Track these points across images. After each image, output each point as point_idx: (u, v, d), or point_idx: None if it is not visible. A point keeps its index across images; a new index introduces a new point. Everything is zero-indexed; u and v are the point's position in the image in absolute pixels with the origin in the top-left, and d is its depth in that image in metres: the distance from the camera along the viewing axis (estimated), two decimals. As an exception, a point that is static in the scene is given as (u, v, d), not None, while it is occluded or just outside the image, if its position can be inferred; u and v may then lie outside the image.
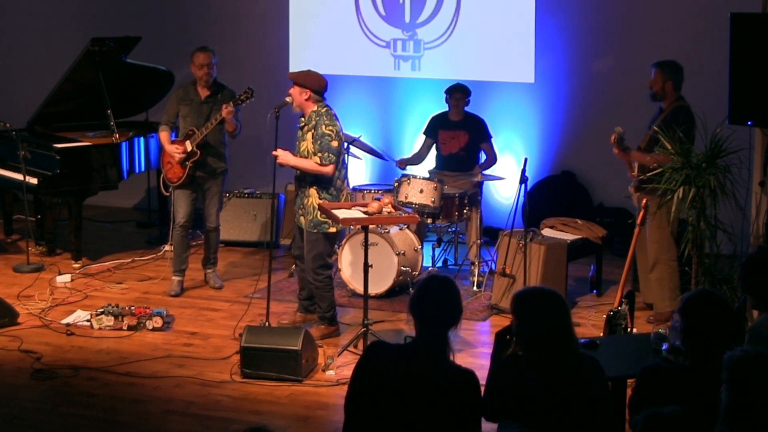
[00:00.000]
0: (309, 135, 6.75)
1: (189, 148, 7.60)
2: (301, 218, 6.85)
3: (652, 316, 7.19)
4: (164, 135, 7.80)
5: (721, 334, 3.94)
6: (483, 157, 8.77)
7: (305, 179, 6.82)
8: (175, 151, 7.62)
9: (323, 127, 6.69)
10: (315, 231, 6.77)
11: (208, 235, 7.93)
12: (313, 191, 6.77)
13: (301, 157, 6.79)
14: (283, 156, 6.76)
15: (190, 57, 7.70)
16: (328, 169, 6.69)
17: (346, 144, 7.46)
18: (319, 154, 6.68)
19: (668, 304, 7.02)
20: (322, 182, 6.76)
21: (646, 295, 7.41)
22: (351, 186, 8.54)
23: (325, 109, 6.77)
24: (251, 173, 7.71)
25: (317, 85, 6.78)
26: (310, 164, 6.71)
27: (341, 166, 6.86)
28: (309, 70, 6.91)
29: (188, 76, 7.93)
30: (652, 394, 3.92)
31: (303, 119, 6.86)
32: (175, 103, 7.77)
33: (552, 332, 3.91)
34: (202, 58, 7.60)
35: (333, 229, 6.78)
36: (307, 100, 6.76)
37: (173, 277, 7.91)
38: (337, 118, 6.80)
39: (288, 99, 6.82)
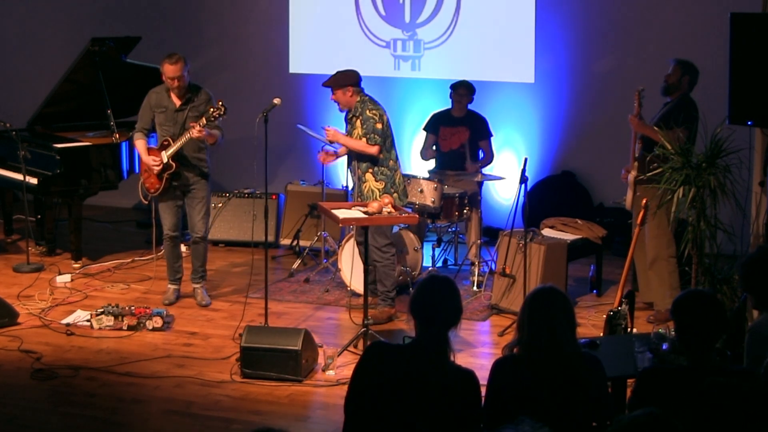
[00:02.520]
0: (358, 122, 7.15)
1: (164, 160, 7.35)
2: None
3: (652, 316, 7.19)
4: (141, 143, 7.52)
5: (714, 332, 3.94)
6: (481, 154, 8.78)
7: (360, 167, 7.17)
8: (152, 163, 7.38)
9: (367, 111, 7.12)
10: None
11: (195, 246, 7.63)
12: (369, 176, 7.17)
13: (356, 152, 7.22)
14: (333, 132, 7.18)
15: (160, 64, 7.36)
16: (374, 150, 7.10)
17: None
18: (366, 136, 7.09)
19: (669, 302, 7.00)
20: (375, 165, 7.14)
21: (645, 295, 7.41)
22: (351, 186, 8.56)
23: (367, 97, 7.18)
24: (250, 173, 7.68)
25: (354, 79, 7.19)
26: (359, 143, 7.14)
27: (390, 147, 7.21)
28: (338, 72, 7.25)
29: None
30: (651, 395, 3.91)
31: (350, 113, 7.28)
32: (148, 110, 7.49)
33: (553, 331, 3.90)
34: (171, 71, 7.23)
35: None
36: (351, 96, 7.15)
37: (169, 286, 7.71)
38: (379, 104, 7.21)
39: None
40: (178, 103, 7.41)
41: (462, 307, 4.03)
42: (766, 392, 3.66)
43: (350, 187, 7.50)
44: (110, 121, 8.64)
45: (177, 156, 7.38)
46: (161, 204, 7.57)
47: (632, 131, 7.21)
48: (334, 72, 7.27)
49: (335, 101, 7.22)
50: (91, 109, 8.98)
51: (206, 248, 7.72)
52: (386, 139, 7.18)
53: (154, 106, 7.48)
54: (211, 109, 7.18)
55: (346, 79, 7.16)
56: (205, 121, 7.15)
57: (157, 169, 7.42)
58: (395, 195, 7.15)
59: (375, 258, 7.18)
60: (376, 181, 7.16)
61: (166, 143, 7.39)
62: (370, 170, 7.17)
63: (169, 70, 7.28)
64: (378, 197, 7.05)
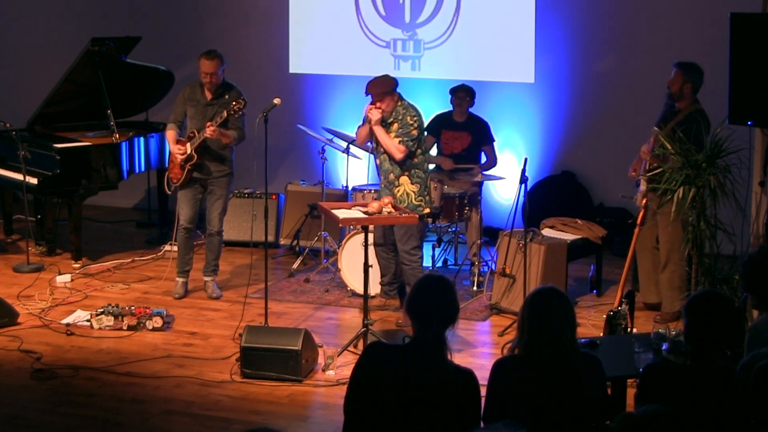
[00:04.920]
0: (395, 126, 7.10)
1: (188, 151, 7.54)
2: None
3: (659, 316, 7.19)
4: (170, 134, 7.71)
5: (723, 334, 3.95)
6: (483, 158, 8.78)
7: (394, 171, 7.13)
8: (177, 152, 7.58)
9: (408, 117, 7.08)
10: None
11: (210, 239, 7.81)
12: (404, 179, 7.12)
13: (384, 147, 7.12)
14: (377, 117, 7.02)
15: (198, 58, 7.56)
16: (402, 153, 7.04)
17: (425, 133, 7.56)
18: (399, 138, 7.04)
19: (679, 303, 7.00)
20: (412, 168, 7.11)
21: (646, 295, 7.40)
22: (351, 186, 8.58)
23: (406, 102, 7.17)
24: (250, 173, 7.70)
25: (396, 84, 7.15)
26: (391, 141, 7.05)
27: (424, 151, 7.23)
28: (379, 79, 7.15)
29: (189, 77, 7.93)
30: (654, 392, 3.92)
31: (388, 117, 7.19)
32: (182, 103, 7.69)
33: (553, 332, 3.90)
34: (207, 67, 7.48)
35: (427, 210, 7.13)
36: (397, 101, 7.12)
37: (177, 279, 7.86)
38: (418, 109, 7.18)
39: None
40: (209, 97, 7.58)
41: (459, 306, 4.03)
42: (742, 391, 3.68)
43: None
44: (110, 121, 8.63)
45: (201, 149, 7.53)
46: (180, 195, 7.73)
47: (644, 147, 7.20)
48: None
49: (381, 109, 7.02)
50: (91, 109, 8.98)
51: (221, 242, 7.89)
52: (418, 144, 7.12)
53: (187, 98, 7.66)
54: (233, 103, 7.35)
55: (392, 84, 7.10)
56: (225, 115, 7.32)
57: (180, 157, 7.55)
58: (428, 198, 7.18)
59: (403, 262, 7.21)
60: (412, 183, 7.11)
61: (192, 135, 7.56)
62: (407, 173, 7.11)
63: (205, 65, 7.49)
64: (413, 200, 7.07)
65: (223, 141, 7.50)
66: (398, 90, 7.14)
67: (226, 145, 7.62)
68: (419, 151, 7.13)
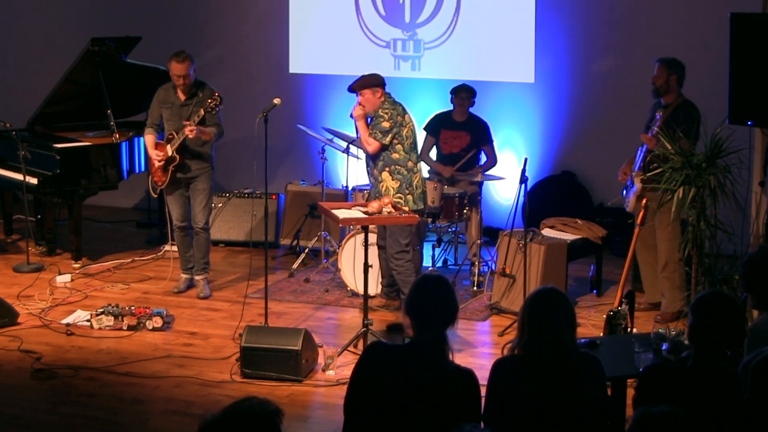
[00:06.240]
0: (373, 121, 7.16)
1: (169, 153, 7.58)
2: None
3: (659, 316, 7.19)
4: (149, 138, 7.78)
5: (725, 335, 3.95)
6: (483, 158, 8.78)
7: (376, 166, 7.13)
8: (155, 158, 7.65)
9: (380, 110, 7.07)
10: None
11: (196, 237, 7.84)
12: (385, 175, 7.11)
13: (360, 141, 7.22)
14: (360, 112, 7.07)
15: (168, 61, 7.58)
16: (373, 146, 7.05)
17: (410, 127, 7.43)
18: (371, 131, 7.05)
19: (680, 304, 7.00)
20: (392, 164, 7.08)
21: (654, 296, 7.39)
22: (351, 186, 8.57)
23: (393, 100, 7.13)
24: (250, 173, 7.71)
25: (382, 80, 7.12)
26: (364, 134, 7.08)
27: (410, 149, 7.12)
28: (362, 76, 7.16)
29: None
30: (654, 393, 3.92)
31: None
32: (157, 105, 7.74)
33: (553, 332, 3.90)
34: (178, 69, 7.51)
35: (406, 208, 7.02)
36: (379, 97, 7.09)
37: (181, 275, 7.98)
38: (400, 105, 7.12)
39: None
40: (183, 98, 7.62)
41: (458, 305, 4.03)
42: (744, 390, 3.68)
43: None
44: (110, 121, 8.64)
45: (181, 148, 7.58)
46: (169, 197, 7.82)
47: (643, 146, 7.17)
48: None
49: (362, 105, 7.07)
50: (91, 109, 8.98)
51: (208, 239, 7.91)
52: (406, 140, 7.09)
53: (161, 101, 7.71)
54: (209, 101, 7.40)
55: (376, 80, 7.11)
56: (202, 113, 7.37)
57: (158, 164, 7.61)
58: (409, 197, 7.10)
59: (391, 266, 7.19)
60: (393, 180, 7.10)
61: (170, 137, 7.61)
62: (387, 169, 7.11)
63: (176, 68, 7.52)
64: (392, 196, 7.03)
65: (203, 138, 7.56)
66: (387, 90, 7.14)
67: (206, 143, 7.65)
68: (400, 146, 7.09)
